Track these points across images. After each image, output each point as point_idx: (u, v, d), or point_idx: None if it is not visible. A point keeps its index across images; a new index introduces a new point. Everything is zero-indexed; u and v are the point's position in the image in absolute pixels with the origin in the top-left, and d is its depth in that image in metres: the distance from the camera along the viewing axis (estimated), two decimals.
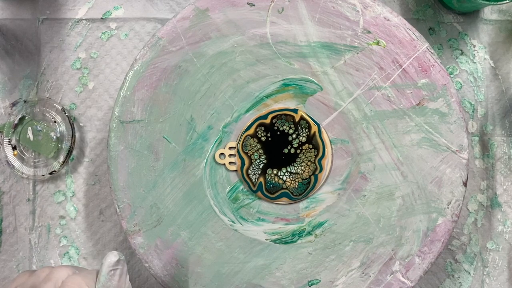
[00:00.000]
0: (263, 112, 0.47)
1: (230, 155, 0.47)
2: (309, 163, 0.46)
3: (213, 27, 0.46)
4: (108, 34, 0.55)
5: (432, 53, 0.46)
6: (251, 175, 0.46)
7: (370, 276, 0.46)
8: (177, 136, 0.47)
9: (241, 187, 0.47)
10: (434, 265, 0.52)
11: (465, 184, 0.46)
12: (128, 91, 0.46)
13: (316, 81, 0.46)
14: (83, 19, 0.55)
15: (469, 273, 0.53)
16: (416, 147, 0.46)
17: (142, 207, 0.46)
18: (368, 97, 0.46)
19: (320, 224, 0.46)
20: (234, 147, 0.47)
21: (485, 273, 0.53)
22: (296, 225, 0.46)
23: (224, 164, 0.47)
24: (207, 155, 0.47)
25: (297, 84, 0.47)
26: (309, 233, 0.46)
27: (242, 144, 0.46)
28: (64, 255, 0.55)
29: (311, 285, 0.46)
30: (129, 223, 0.46)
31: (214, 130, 0.47)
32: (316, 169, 0.46)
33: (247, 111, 0.47)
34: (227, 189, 0.47)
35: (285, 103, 0.47)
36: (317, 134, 0.46)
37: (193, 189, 0.46)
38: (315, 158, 0.46)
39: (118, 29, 0.55)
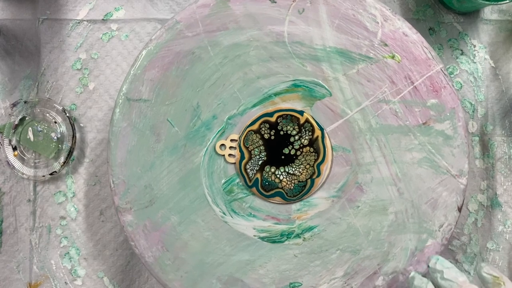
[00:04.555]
0: (270, 109, 0.47)
1: (230, 147, 0.47)
2: (307, 166, 0.46)
3: (232, 18, 0.47)
4: (109, 35, 0.55)
5: (445, 74, 0.46)
6: (248, 170, 0.46)
7: (352, 287, 0.46)
8: (181, 121, 0.47)
9: (237, 180, 0.47)
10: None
11: (459, 210, 0.46)
12: (139, 69, 0.46)
13: (326, 86, 0.46)
14: (84, 20, 0.55)
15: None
16: (416, 166, 0.46)
17: (136, 186, 0.46)
18: (376, 109, 0.46)
19: (310, 228, 0.46)
20: (236, 140, 0.47)
21: None
22: (286, 226, 0.46)
23: (224, 155, 0.47)
24: (208, 144, 0.47)
25: (307, 87, 0.47)
26: (297, 236, 0.46)
27: (244, 138, 0.46)
28: (65, 255, 0.55)
29: (292, 287, 0.46)
30: (122, 200, 0.46)
31: (218, 120, 0.47)
32: (314, 173, 0.46)
33: (254, 106, 0.47)
34: (223, 181, 0.47)
35: (293, 103, 0.47)
36: (319, 138, 0.46)
37: (189, 175, 0.47)
38: (314, 162, 0.46)
39: (118, 30, 0.55)
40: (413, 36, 0.46)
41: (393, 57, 0.46)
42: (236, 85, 0.47)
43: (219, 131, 0.47)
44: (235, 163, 0.47)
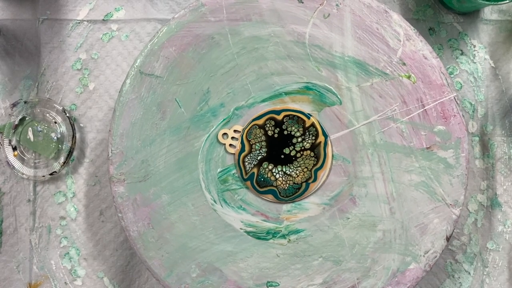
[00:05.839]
0: (278, 107, 0.47)
1: (232, 138, 0.47)
2: (305, 169, 0.46)
3: (257, 11, 0.47)
4: (109, 36, 0.55)
5: (457, 103, 0.46)
6: (246, 163, 0.46)
7: None
8: (189, 103, 0.47)
9: (233, 171, 0.47)
10: (434, 265, 0.52)
11: (447, 239, 0.45)
12: (156, 45, 0.46)
13: (337, 94, 0.46)
14: (85, 21, 0.55)
15: (469, 273, 0.53)
16: (412, 188, 0.46)
17: (134, 159, 0.46)
18: (383, 125, 0.46)
19: (297, 231, 0.46)
20: (239, 131, 0.47)
21: (485, 273, 0.53)
22: (273, 224, 0.46)
23: (225, 144, 0.47)
24: (211, 131, 0.47)
25: (319, 91, 0.47)
26: (283, 236, 0.46)
27: (248, 131, 0.46)
28: (65, 255, 0.55)
29: (269, 286, 0.46)
30: (116, 170, 0.46)
31: (225, 109, 0.47)
32: (310, 177, 0.46)
33: (263, 101, 0.47)
34: (219, 169, 0.47)
35: (301, 105, 0.47)
36: (322, 144, 0.46)
37: (187, 158, 0.47)
38: (313, 167, 0.46)
39: (119, 30, 0.55)
40: (433, 60, 0.46)
41: (409, 77, 0.46)
42: (249, 77, 0.47)
43: (224, 119, 0.47)
44: (234, 154, 0.47)
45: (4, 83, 0.55)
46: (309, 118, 0.46)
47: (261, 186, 0.46)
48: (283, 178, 0.46)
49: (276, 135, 0.46)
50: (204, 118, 0.47)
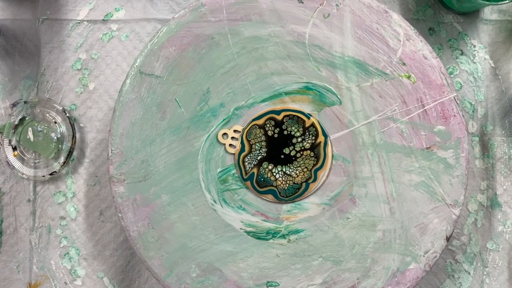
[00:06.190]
0: (278, 107, 0.47)
1: (232, 138, 0.47)
2: (305, 169, 0.46)
3: (257, 11, 0.47)
4: (109, 36, 0.55)
5: (457, 103, 0.46)
6: (246, 163, 0.46)
7: None
8: (189, 103, 0.47)
9: (233, 171, 0.47)
10: (434, 265, 0.52)
11: (447, 239, 0.45)
12: (156, 45, 0.46)
13: (337, 94, 0.46)
14: (85, 21, 0.55)
15: (469, 273, 0.53)
16: (412, 188, 0.46)
17: (134, 159, 0.46)
18: (383, 125, 0.46)
19: (297, 231, 0.46)
20: (239, 131, 0.47)
21: (485, 273, 0.53)
22: (273, 224, 0.46)
23: (225, 144, 0.47)
24: (211, 131, 0.47)
25: (319, 91, 0.47)
26: (283, 236, 0.46)
27: (248, 131, 0.46)
28: (65, 255, 0.55)
29: (269, 286, 0.46)
30: (116, 170, 0.46)
31: (225, 109, 0.47)
32: (310, 177, 0.46)
33: (263, 101, 0.47)
34: (219, 169, 0.47)
35: (301, 105, 0.47)
36: (322, 144, 0.46)
37: (187, 158, 0.47)
38: (313, 167, 0.46)
39: (119, 30, 0.55)
40: (433, 60, 0.46)
41: (409, 77, 0.46)
42: (249, 77, 0.47)
43: (224, 119, 0.47)
44: (234, 154, 0.47)
45: (4, 83, 0.55)
46: (309, 118, 0.46)
47: (261, 186, 0.46)
48: (283, 178, 0.46)
49: (276, 135, 0.46)
50: (204, 118, 0.47)
